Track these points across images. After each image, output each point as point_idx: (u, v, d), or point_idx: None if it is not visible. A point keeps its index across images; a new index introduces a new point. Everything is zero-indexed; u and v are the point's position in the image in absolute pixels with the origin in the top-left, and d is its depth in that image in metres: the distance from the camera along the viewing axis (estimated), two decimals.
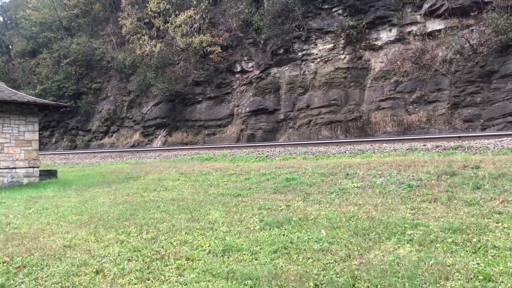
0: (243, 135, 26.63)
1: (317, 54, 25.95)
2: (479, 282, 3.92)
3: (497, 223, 5.53)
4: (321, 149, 15.61)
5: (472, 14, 20.41)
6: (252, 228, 6.29)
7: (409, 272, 4.17)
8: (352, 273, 4.30)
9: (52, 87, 36.42)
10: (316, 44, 26.06)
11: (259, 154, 16.48)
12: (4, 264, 5.13)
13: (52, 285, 4.53)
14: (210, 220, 6.89)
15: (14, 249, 5.74)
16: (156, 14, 32.33)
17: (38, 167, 15.69)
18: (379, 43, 24.13)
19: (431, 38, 22.16)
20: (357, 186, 8.64)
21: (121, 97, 35.15)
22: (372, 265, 4.46)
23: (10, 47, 47.72)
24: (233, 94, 29.46)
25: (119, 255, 5.28)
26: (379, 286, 4.01)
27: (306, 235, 5.66)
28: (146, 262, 4.99)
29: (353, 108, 23.56)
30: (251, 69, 28.73)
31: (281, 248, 5.20)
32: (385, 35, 23.92)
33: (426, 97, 20.98)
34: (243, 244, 5.45)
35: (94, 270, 4.81)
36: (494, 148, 11.52)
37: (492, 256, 4.49)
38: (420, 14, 22.69)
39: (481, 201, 6.61)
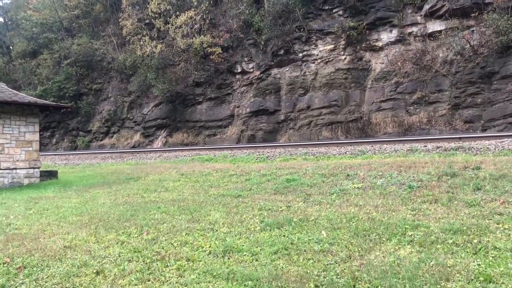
0: (244, 136, 26.63)
1: (317, 55, 25.96)
2: (479, 283, 3.91)
3: (498, 224, 5.52)
4: (321, 150, 15.60)
5: (472, 15, 20.40)
6: (252, 229, 6.28)
7: (410, 273, 4.17)
8: (353, 274, 4.30)
9: (53, 88, 36.47)
10: (316, 45, 26.07)
11: (259, 155, 16.48)
12: (5, 265, 5.13)
13: (53, 286, 4.53)
14: (211, 221, 6.88)
15: (15, 249, 5.74)
16: (156, 15, 32.37)
17: (38, 167, 15.69)
18: (379, 44, 24.14)
19: (432, 39, 22.16)
20: (358, 187, 8.64)
21: (121, 98, 35.17)
22: (373, 266, 4.45)
23: (11, 48, 47.79)
24: (233, 95, 29.47)
25: (119, 256, 5.28)
26: (379, 287, 4.00)
27: (307, 236, 5.65)
28: (146, 263, 4.98)
29: (354, 109, 23.56)
30: (251, 70, 28.74)
31: (282, 249, 5.20)
32: (386, 36, 23.93)
33: (426, 98, 20.97)
34: (243, 245, 5.45)
35: (94, 271, 4.81)
36: (494, 149, 11.50)
37: (492, 257, 4.48)
38: (421, 15, 22.69)
39: (481, 202, 6.60)
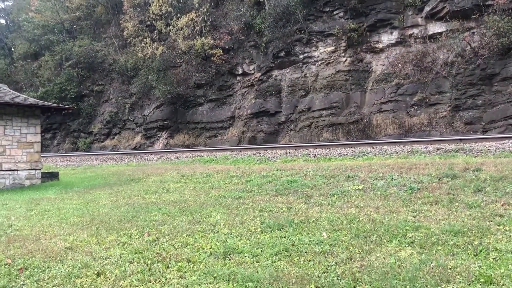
0: (245, 137, 26.64)
1: (318, 56, 25.98)
2: (480, 285, 3.91)
3: (498, 225, 5.52)
4: (322, 152, 15.61)
5: (473, 17, 20.42)
6: (253, 230, 6.29)
7: (410, 274, 4.17)
8: (353, 275, 4.30)
9: (54, 89, 36.53)
10: (317, 47, 26.09)
11: (260, 156, 16.49)
12: (6, 266, 5.14)
13: (54, 287, 4.54)
14: (212, 222, 6.89)
15: (16, 251, 5.75)
16: (158, 17, 32.44)
17: (40, 169, 15.71)
18: (380, 45, 24.15)
19: (432, 40, 22.17)
20: (359, 189, 8.64)
21: (123, 100, 35.20)
22: (373, 267, 4.46)
23: (13, 49, 47.92)
24: (234, 97, 29.50)
25: (120, 257, 5.29)
26: None
27: (307, 238, 5.66)
28: (147, 264, 4.99)
29: (354, 110, 23.56)
30: (252, 72, 28.77)
31: (282, 250, 5.20)
32: (386, 37, 23.95)
33: (427, 100, 20.97)
34: (244, 246, 5.45)
35: (95, 272, 4.82)
36: (495, 150, 11.50)
37: (493, 258, 4.48)
38: (421, 17, 22.71)
39: (482, 204, 6.60)
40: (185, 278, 4.55)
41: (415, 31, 23.00)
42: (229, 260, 5.04)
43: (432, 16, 22.17)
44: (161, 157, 21.14)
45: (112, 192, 11.57)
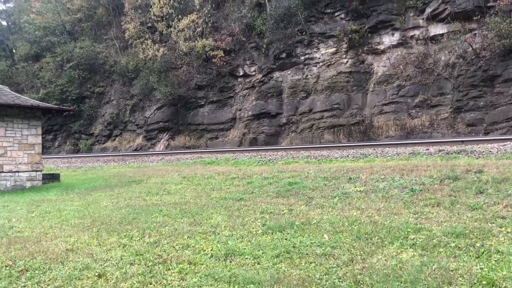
0: (246, 139, 26.63)
1: (319, 58, 25.98)
2: (482, 287, 3.90)
3: (500, 227, 5.50)
4: (323, 153, 15.59)
5: (474, 18, 20.41)
6: (254, 232, 6.28)
7: (412, 276, 4.15)
8: (355, 277, 4.29)
9: (55, 91, 36.58)
10: (318, 48, 26.10)
11: (261, 158, 16.48)
12: (7, 268, 5.13)
13: None
14: (213, 224, 6.88)
15: (17, 252, 5.74)
16: (159, 19, 32.49)
17: (41, 170, 15.72)
18: (381, 47, 24.15)
19: (434, 42, 22.16)
20: (360, 190, 8.63)
21: (124, 101, 35.23)
22: (375, 269, 4.44)
23: (14, 51, 48.02)
24: (235, 98, 29.51)
25: (121, 259, 5.28)
26: None
27: (309, 240, 5.64)
28: (148, 266, 4.98)
29: (356, 112, 23.54)
30: (253, 73, 28.78)
31: (284, 252, 5.19)
32: (388, 39, 23.95)
33: (428, 101, 20.95)
34: (245, 248, 5.44)
35: (96, 274, 4.81)
36: (497, 152, 11.48)
37: (495, 261, 4.46)
38: (423, 19, 22.71)
39: (484, 206, 6.59)
40: (186, 280, 4.54)
41: (416, 32, 22.99)
42: (230, 262, 5.03)
43: (434, 18, 22.17)
44: (162, 159, 21.14)
45: (113, 193, 11.57)
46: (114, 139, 35.06)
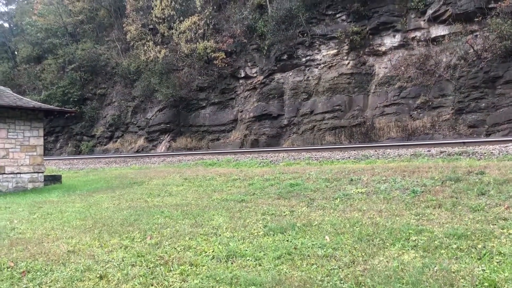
0: (247, 141, 26.64)
1: (321, 59, 25.99)
2: None
3: (502, 229, 5.49)
4: (325, 155, 15.59)
5: (476, 19, 20.40)
6: (256, 233, 6.28)
7: (414, 278, 4.15)
8: (356, 279, 4.29)
9: (57, 92, 36.64)
10: (320, 50, 26.11)
11: (263, 159, 16.48)
12: (9, 269, 5.14)
13: None
14: (214, 226, 6.88)
15: (19, 254, 5.75)
16: (160, 20, 32.53)
17: (42, 172, 15.74)
18: (383, 48, 24.15)
19: (435, 43, 22.15)
20: (361, 192, 8.62)
21: (125, 103, 35.27)
22: (376, 271, 4.44)
23: (16, 53, 48.13)
24: (237, 100, 29.52)
25: (123, 260, 5.28)
26: None
27: (310, 241, 5.64)
28: (149, 268, 4.98)
29: (357, 113, 23.54)
30: (255, 75, 28.80)
31: (285, 254, 5.19)
32: (389, 40, 23.95)
33: (430, 103, 20.94)
34: (246, 250, 5.44)
35: (98, 275, 4.81)
36: (499, 153, 11.47)
37: (497, 262, 4.46)
38: (424, 20, 22.71)
39: (486, 207, 6.58)
40: (187, 281, 4.55)
41: (417, 34, 22.99)
42: (232, 263, 5.03)
43: (435, 19, 22.17)
44: (164, 160, 21.16)
45: (114, 195, 11.58)
46: (116, 141, 35.10)
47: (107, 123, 35.77)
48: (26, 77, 41.68)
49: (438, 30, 22.21)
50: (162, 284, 4.50)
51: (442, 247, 5.02)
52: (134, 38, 34.37)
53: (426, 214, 6.56)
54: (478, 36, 20.36)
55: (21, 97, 17.27)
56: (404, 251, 5.04)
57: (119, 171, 18.88)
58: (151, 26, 34.67)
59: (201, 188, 11.56)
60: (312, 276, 4.46)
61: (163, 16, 32.28)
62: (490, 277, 4.07)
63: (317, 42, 26.17)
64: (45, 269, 5.10)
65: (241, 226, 6.74)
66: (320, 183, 9.90)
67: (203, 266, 4.97)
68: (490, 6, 19.99)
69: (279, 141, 25.93)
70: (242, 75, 29.40)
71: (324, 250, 5.23)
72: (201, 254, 5.42)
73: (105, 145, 35.47)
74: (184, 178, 13.48)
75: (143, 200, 10.39)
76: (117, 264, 5.15)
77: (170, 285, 4.47)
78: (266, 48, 27.67)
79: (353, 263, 4.76)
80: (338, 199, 8.35)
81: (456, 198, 7.25)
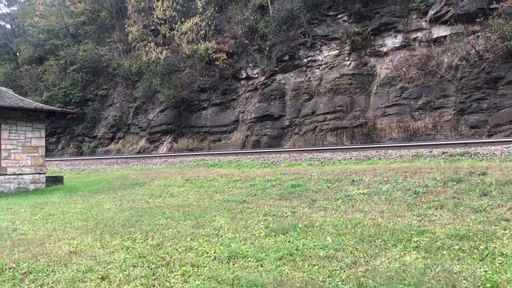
0: (249, 141, 26.64)
1: (322, 60, 25.98)
2: None
3: (504, 230, 5.48)
4: (326, 156, 15.58)
5: (477, 20, 20.38)
6: (257, 234, 6.27)
7: (416, 279, 4.14)
8: (358, 280, 4.28)
9: (59, 93, 36.72)
10: (321, 51, 26.10)
11: (264, 160, 16.48)
12: (10, 270, 5.14)
13: None
14: (216, 227, 6.88)
15: (20, 255, 5.76)
16: (162, 21, 32.57)
17: (44, 173, 15.77)
18: (384, 49, 24.14)
19: (437, 44, 22.13)
20: (363, 193, 8.61)
21: (127, 104, 35.33)
22: (378, 272, 4.43)
23: (18, 54, 48.23)
24: (238, 101, 29.53)
25: (124, 261, 5.28)
26: None
27: (312, 242, 5.63)
28: (151, 269, 4.98)
29: (359, 114, 23.52)
30: (256, 76, 28.81)
31: (287, 255, 5.18)
32: (391, 41, 23.93)
33: (432, 104, 20.92)
34: (248, 251, 5.44)
35: (99, 276, 4.81)
36: (501, 154, 11.44)
37: (499, 263, 4.44)
38: (426, 21, 22.69)
39: (488, 208, 6.56)
40: (189, 282, 4.54)
41: (419, 34, 22.97)
42: (233, 264, 5.02)
43: (437, 20, 22.14)
44: (165, 161, 21.17)
45: (116, 196, 11.58)
46: (117, 142, 35.15)
47: (109, 124, 35.82)
48: (28, 78, 41.78)
49: (440, 31, 22.18)
50: (163, 285, 4.50)
51: (444, 248, 5.01)
52: (135, 39, 34.43)
53: (428, 215, 6.55)
54: (480, 36, 20.33)
55: (23, 98, 17.30)
56: (406, 252, 5.03)
57: (121, 172, 18.90)
58: (152, 27, 34.73)
59: (202, 189, 11.56)
60: (313, 277, 4.45)
61: (165, 17, 32.32)
62: (492, 278, 4.06)
63: (318, 43, 26.17)
64: (47, 270, 5.10)
65: (243, 227, 6.74)
66: (322, 184, 9.89)
67: (205, 267, 4.97)
68: (491, 6, 19.97)
69: (281, 142, 25.92)
70: (244, 76, 29.42)
71: (326, 251, 5.22)
72: (202, 255, 5.41)
73: (106, 146, 35.52)
74: (186, 179, 13.49)
75: (144, 201, 10.40)
76: (119, 265, 5.15)
77: (172, 286, 4.47)
78: (267, 49, 27.69)
79: (355, 264, 4.75)
80: (340, 200, 8.34)
81: (458, 199, 7.23)
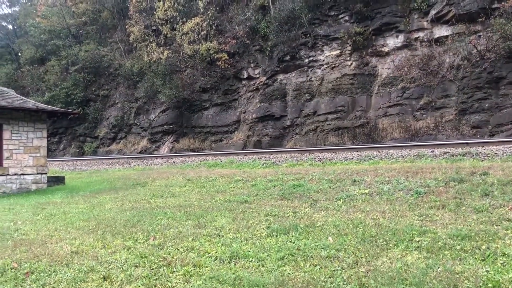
0: (250, 142, 26.64)
1: (323, 60, 25.97)
2: None
3: (506, 230, 5.47)
4: (328, 156, 15.57)
5: (479, 20, 20.35)
6: (259, 234, 6.27)
7: (417, 279, 4.13)
8: (360, 280, 4.28)
9: (61, 94, 36.76)
10: (322, 51, 26.09)
11: (265, 160, 16.48)
12: (12, 270, 5.15)
13: None
14: (217, 227, 6.88)
15: (22, 255, 5.77)
16: (163, 22, 32.58)
17: (46, 173, 15.79)
18: (386, 49, 24.12)
19: (438, 44, 22.10)
20: (365, 193, 8.61)
21: (128, 104, 35.35)
22: (380, 272, 4.43)
23: (19, 54, 48.32)
24: (239, 101, 29.53)
25: (126, 262, 5.29)
26: None
27: (313, 242, 5.63)
28: (153, 269, 4.99)
29: (360, 114, 23.51)
30: (257, 76, 28.80)
31: (288, 255, 5.18)
32: (392, 41, 23.91)
33: (433, 103, 20.89)
34: (250, 251, 5.44)
35: (101, 276, 4.82)
36: (502, 154, 11.43)
37: (501, 263, 4.44)
38: (427, 21, 22.66)
39: (490, 208, 6.55)
40: (190, 282, 4.55)
41: (420, 34, 22.95)
42: (235, 264, 5.02)
43: (438, 20, 22.12)
44: (167, 161, 21.18)
45: (117, 196, 11.60)
46: (119, 142, 35.18)
47: (110, 124, 35.85)
48: (29, 79, 41.85)
49: (441, 31, 22.16)
50: (165, 285, 4.50)
51: (445, 248, 5.01)
52: (137, 39, 34.46)
53: (430, 215, 6.54)
54: (482, 36, 20.29)
55: (25, 98, 17.33)
56: (407, 252, 5.03)
57: (122, 172, 18.92)
58: (154, 28, 34.74)
59: (204, 189, 11.57)
60: (315, 277, 4.45)
61: (166, 18, 32.33)
62: (494, 278, 4.06)
63: (319, 43, 26.15)
64: (49, 270, 5.11)
65: (244, 227, 6.74)
66: (323, 184, 9.89)
67: (206, 267, 4.97)
68: (493, 6, 19.93)
69: (282, 142, 25.92)
70: (245, 76, 29.42)
71: (327, 251, 5.22)
72: (204, 255, 5.42)
73: (108, 146, 35.55)
74: (187, 179, 13.49)
75: (146, 201, 10.41)
76: (120, 265, 5.16)
77: (173, 286, 4.48)
78: (268, 49, 27.68)
79: (357, 264, 4.75)
80: (341, 200, 8.33)
81: (460, 199, 7.23)
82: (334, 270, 4.62)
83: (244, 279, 4.46)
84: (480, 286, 3.94)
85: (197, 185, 12.32)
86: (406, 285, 4.07)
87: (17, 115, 14.94)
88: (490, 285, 3.93)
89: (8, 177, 14.65)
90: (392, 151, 14.65)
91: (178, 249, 5.71)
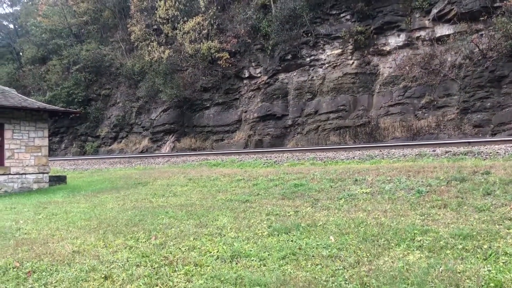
0: (251, 141, 26.63)
1: (325, 59, 25.94)
2: None
3: (508, 229, 5.46)
4: (329, 155, 15.56)
5: (481, 18, 20.30)
6: (260, 234, 6.27)
7: (419, 278, 4.13)
8: (361, 279, 4.27)
9: (62, 93, 36.80)
10: (324, 50, 26.06)
11: (267, 159, 16.47)
12: (14, 269, 5.16)
13: None
14: (218, 226, 6.88)
15: (24, 254, 5.78)
16: (164, 21, 32.58)
17: (47, 172, 15.81)
18: (387, 48, 24.08)
19: (440, 43, 22.06)
20: (366, 192, 8.60)
21: (130, 103, 35.37)
22: (382, 271, 4.42)
23: (21, 54, 48.40)
24: (241, 100, 29.52)
25: (127, 261, 5.29)
26: None
27: (315, 241, 5.63)
28: (154, 268, 4.99)
29: (362, 113, 23.48)
30: (259, 75, 28.78)
31: (290, 254, 5.18)
32: (394, 40, 23.87)
33: (435, 102, 20.86)
34: (251, 250, 5.44)
35: (102, 275, 4.82)
36: (504, 153, 11.41)
37: (503, 263, 4.43)
38: (429, 19, 22.62)
39: (491, 207, 6.54)
40: (192, 281, 4.55)
41: (422, 33, 22.91)
42: (236, 263, 5.02)
43: (440, 18, 22.07)
44: (168, 161, 21.19)
45: (119, 195, 11.61)
46: (120, 141, 35.21)
47: (112, 123, 35.88)
48: (31, 78, 41.90)
49: (443, 30, 22.11)
50: (166, 285, 4.50)
51: (447, 247, 5.00)
52: (138, 38, 34.47)
53: (432, 214, 6.54)
54: (483, 35, 20.25)
55: (26, 98, 17.34)
56: (409, 251, 5.03)
57: (124, 171, 18.93)
58: (155, 27, 34.75)
59: (205, 188, 11.57)
60: (316, 277, 4.45)
61: (167, 17, 32.33)
62: (496, 277, 4.05)
63: (321, 42, 26.13)
64: (50, 269, 5.12)
65: (246, 227, 6.74)
66: (325, 184, 9.88)
67: (208, 266, 4.97)
68: (495, 5, 19.88)
69: (283, 142, 25.90)
70: (246, 75, 29.40)
71: (329, 250, 5.22)
72: (205, 254, 5.42)
73: (109, 145, 35.58)
74: (189, 178, 13.50)
75: (147, 201, 10.42)
76: (122, 265, 5.16)
77: (175, 286, 4.48)
78: (270, 48, 27.66)
79: (358, 264, 4.75)
80: (343, 199, 8.33)
81: (462, 198, 7.21)
82: (335, 270, 4.62)
83: (246, 278, 4.46)
84: (482, 286, 3.93)
85: (198, 184, 12.33)
86: (408, 284, 4.07)
87: (18, 114, 14.96)
88: (492, 284, 3.93)
89: (10, 176, 14.67)
90: (394, 150, 14.64)
91: (180, 249, 5.72)
